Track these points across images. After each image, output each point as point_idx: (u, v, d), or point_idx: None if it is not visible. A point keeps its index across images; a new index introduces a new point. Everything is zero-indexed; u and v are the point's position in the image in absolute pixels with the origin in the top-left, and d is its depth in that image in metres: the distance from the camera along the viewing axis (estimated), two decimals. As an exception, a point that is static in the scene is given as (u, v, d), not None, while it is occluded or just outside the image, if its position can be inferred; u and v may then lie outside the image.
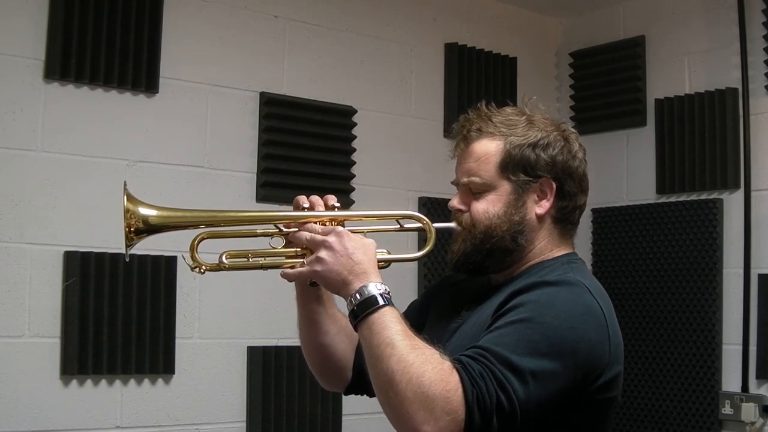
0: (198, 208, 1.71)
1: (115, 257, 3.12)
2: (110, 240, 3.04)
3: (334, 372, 1.82)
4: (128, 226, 1.60)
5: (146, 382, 3.20)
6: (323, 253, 1.56)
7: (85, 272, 3.07)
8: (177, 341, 3.26)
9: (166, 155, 3.30)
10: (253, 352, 3.43)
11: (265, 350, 3.43)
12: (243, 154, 3.49)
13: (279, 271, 1.73)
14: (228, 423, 3.37)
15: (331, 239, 1.57)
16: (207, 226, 1.67)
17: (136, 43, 3.22)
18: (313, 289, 1.74)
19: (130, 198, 1.61)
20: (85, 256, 3.08)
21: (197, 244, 1.66)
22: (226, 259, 1.66)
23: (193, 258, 1.66)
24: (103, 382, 3.11)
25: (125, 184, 1.63)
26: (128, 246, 1.62)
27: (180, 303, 3.27)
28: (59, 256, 3.06)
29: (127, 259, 1.69)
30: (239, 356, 3.42)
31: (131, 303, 3.15)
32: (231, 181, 3.44)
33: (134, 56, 3.22)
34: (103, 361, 3.08)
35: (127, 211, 1.60)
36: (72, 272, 3.05)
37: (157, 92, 3.29)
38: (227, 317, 3.41)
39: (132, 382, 3.17)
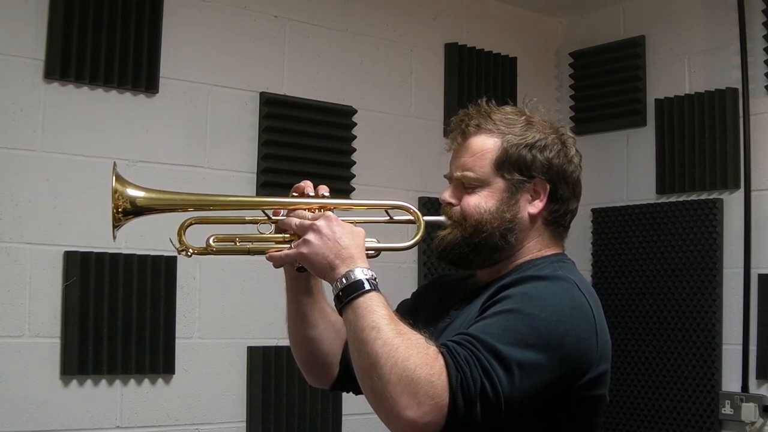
0: (187, 191, 1.71)
1: (115, 257, 3.12)
2: (110, 240, 3.03)
3: (321, 367, 1.80)
4: (116, 206, 1.59)
5: (146, 382, 3.20)
6: (310, 236, 1.55)
7: (85, 272, 3.07)
8: (177, 341, 3.26)
9: (166, 155, 3.30)
10: (253, 352, 3.43)
11: (265, 350, 3.43)
12: (243, 154, 3.49)
13: (280, 271, 1.72)
14: (228, 423, 3.37)
15: (319, 223, 1.56)
16: (196, 209, 1.66)
17: (136, 43, 3.22)
18: (302, 280, 1.73)
19: (119, 178, 1.61)
20: (85, 256, 3.08)
21: (185, 229, 1.65)
22: (214, 242, 1.65)
23: (180, 241, 1.65)
24: (103, 382, 3.11)
25: (114, 165, 1.63)
26: (115, 227, 1.61)
27: (180, 303, 3.27)
28: (59, 256, 3.06)
29: (114, 240, 1.67)
30: (239, 356, 3.42)
31: (131, 303, 3.15)
32: (231, 181, 3.44)
33: (134, 56, 3.22)
34: (103, 361, 3.08)
35: (115, 191, 1.59)
36: (72, 272, 3.06)
37: (157, 92, 3.29)
38: (227, 317, 3.41)
39: (132, 382, 3.17)
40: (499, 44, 4.23)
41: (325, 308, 1.78)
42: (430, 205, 3.83)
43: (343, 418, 3.58)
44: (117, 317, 3.12)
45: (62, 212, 3.09)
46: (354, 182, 3.72)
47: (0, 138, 2.99)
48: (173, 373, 3.25)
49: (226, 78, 3.46)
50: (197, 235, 1.67)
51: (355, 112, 3.75)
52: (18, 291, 2.99)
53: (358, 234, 1.57)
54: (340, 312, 1.50)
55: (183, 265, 3.24)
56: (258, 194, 3.47)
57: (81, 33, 3.10)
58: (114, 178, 1.60)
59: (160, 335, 3.21)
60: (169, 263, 3.23)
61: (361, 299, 1.47)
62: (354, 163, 3.73)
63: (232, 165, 3.46)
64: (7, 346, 2.96)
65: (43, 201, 3.06)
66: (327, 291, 1.64)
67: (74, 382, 3.06)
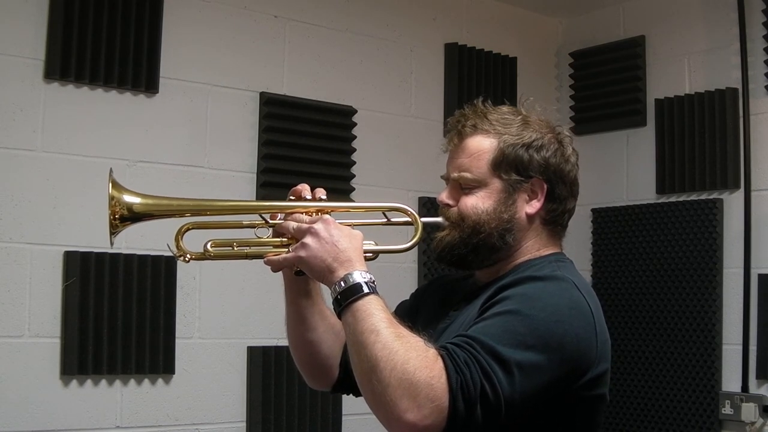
0: (184, 197, 1.70)
1: (115, 257, 3.12)
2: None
3: (321, 369, 1.80)
4: (113, 213, 1.59)
5: (146, 382, 3.20)
6: (308, 239, 1.55)
7: (85, 272, 3.07)
8: (177, 341, 3.26)
9: (166, 155, 3.30)
10: (253, 352, 3.43)
11: (265, 350, 3.43)
12: (243, 154, 3.49)
13: (280, 272, 1.72)
14: (228, 423, 3.37)
15: (317, 226, 1.56)
16: (193, 214, 1.66)
17: (136, 43, 3.22)
18: (301, 283, 1.73)
19: (115, 185, 1.60)
20: (85, 256, 3.08)
21: (183, 234, 1.65)
22: (211, 247, 1.65)
23: (177, 246, 1.65)
24: (103, 382, 3.11)
25: (111, 171, 1.62)
26: (113, 234, 1.61)
27: (180, 303, 3.27)
28: (59, 256, 3.06)
29: (112, 246, 1.67)
30: (239, 356, 3.42)
31: (131, 303, 3.15)
32: (231, 181, 3.44)
33: (134, 56, 3.22)
34: (103, 361, 3.08)
35: (111, 198, 1.59)
36: (72, 272, 3.06)
37: (157, 92, 3.29)
38: (227, 317, 3.41)
39: (132, 382, 3.17)
40: (499, 44, 4.23)
41: (324, 311, 1.77)
42: (430, 205, 3.83)
43: (343, 418, 3.58)
44: (117, 317, 3.12)
45: (62, 212, 3.08)
46: (354, 182, 3.71)
47: (0, 138, 2.99)
48: (173, 373, 3.25)
49: (226, 78, 3.46)
50: (195, 240, 1.67)
51: (355, 112, 3.75)
52: (18, 291, 2.99)
53: (356, 237, 1.57)
54: (339, 315, 1.50)
55: (183, 265, 3.21)
56: (258, 194, 3.48)
57: (81, 33, 3.10)
58: (110, 184, 1.60)
59: (160, 335, 3.21)
60: (169, 263, 3.23)
61: (360, 302, 1.47)
62: (354, 163, 3.73)
63: (232, 165, 3.46)
64: (7, 346, 2.96)
65: (43, 201, 3.06)
66: (326, 293, 1.63)
67: (74, 382, 3.06)
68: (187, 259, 1.65)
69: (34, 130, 3.05)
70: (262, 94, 3.53)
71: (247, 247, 1.65)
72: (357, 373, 1.46)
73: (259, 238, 1.66)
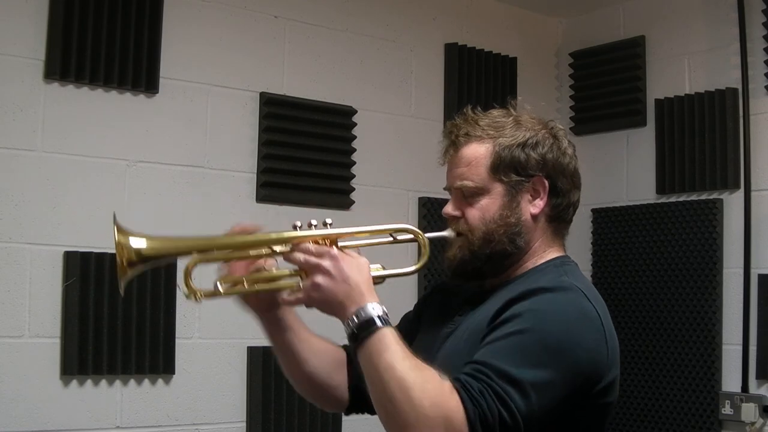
0: (190, 235, 1.68)
1: (115, 257, 3.11)
2: (110, 240, 3.02)
3: (327, 394, 1.82)
4: (121, 260, 1.58)
5: (146, 382, 3.20)
6: (319, 279, 1.55)
7: (85, 272, 3.07)
8: (177, 341, 3.26)
9: (166, 155, 3.30)
10: (253, 352, 3.43)
11: (265, 350, 3.42)
12: (243, 154, 3.49)
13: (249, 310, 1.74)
14: (228, 423, 3.37)
15: (326, 264, 1.55)
16: (199, 252, 1.65)
17: (136, 43, 3.22)
18: (280, 320, 1.74)
19: (121, 230, 1.59)
20: (85, 256, 3.08)
21: (191, 272, 1.64)
22: (222, 284, 1.67)
23: (187, 286, 1.64)
24: (103, 382, 3.11)
25: (114, 216, 1.61)
26: (122, 278, 1.60)
27: (180, 303, 3.27)
28: (59, 256, 3.06)
29: (122, 293, 1.67)
30: (239, 356, 3.42)
31: (131, 303, 3.15)
32: (231, 181, 3.44)
33: (134, 56, 3.22)
34: (103, 361, 3.08)
35: (119, 244, 1.58)
36: (72, 272, 3.05)
37: (157, 92, 3.29)
38: (227, 317, 3.40)
39: (132, 382, 3.17)
40: (499, 44, 4.23)
41: (309, 339, 1.78)
42: (430, 205, 3.83)
43: (343, 418, 3.57)
44: (117, 317, 3.12)
45: (62, 212, 3.08)
46: (354, 182, 3.71)
47: (0, 138, 2.99)
48: (173, 373, 3.25)
49: (226, 78, 3.46)
50: (202, 268, 1.68)
51: (355, 112, 3.75)
52: (18, 291, 2.99)
53: (364, 266, 1.58)
54: (355, 351, 1.51)
55: (183, 264, 3.23)
56: (258, 194, 3.48)
57: (81, 33, 3.10)
58: (115, 229, 1.58)
59: (160, 335, 3.21)
60: (169, 264, 3.23)
61: (374, 337, 1.48)
62: (354, 163, 3.73)
63: (232, 165, 3.46)
64: (7, 346, 2.96)
65: (43, 201, 3.06)
66: (316, 312, 1.62)
67: (74, 382, 3.06)
68: (198, 298, 1.65)
69: (34, 130, 3.05)
70: (262, 94, 3.53)
71: (257, 283, 1.67)
72: (376, 407, 1.48)
73: (268, 271, 1.67)
